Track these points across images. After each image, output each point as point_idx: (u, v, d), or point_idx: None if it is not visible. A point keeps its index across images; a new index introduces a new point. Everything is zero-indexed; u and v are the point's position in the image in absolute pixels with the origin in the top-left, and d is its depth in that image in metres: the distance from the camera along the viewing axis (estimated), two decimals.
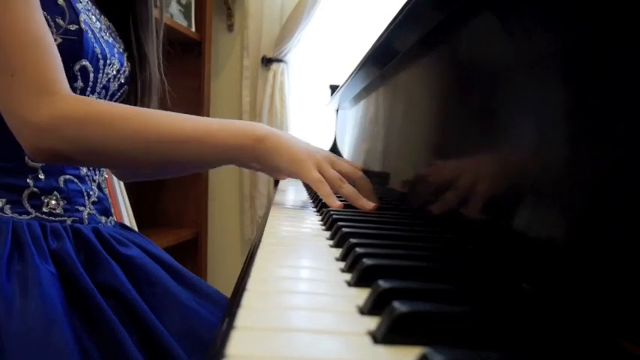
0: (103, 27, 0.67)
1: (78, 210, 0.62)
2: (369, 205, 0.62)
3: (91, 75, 0.63)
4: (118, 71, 0.68)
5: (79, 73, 0.61)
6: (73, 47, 0.59)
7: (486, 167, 0.41)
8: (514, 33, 0.37)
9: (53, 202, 0.60)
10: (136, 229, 1.38)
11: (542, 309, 0.27)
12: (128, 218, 1.45)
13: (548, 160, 0.31)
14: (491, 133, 0.40)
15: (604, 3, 0.27)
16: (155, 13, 0.76)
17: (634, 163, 0.23)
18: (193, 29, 1.80)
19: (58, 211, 0.60)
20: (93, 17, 0.65)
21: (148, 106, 0.75)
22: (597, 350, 0.23)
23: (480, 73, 0.44)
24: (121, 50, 0.70)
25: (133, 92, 0.73)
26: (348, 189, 0.63)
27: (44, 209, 0.59)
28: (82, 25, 0.60)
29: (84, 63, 0.61)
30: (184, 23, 1.75)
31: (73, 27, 0.59)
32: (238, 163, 0.65)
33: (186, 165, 0.67)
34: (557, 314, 0.26)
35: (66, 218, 0.61)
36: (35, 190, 0.59)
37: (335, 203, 0.60)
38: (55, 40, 0.57)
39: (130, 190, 1.47)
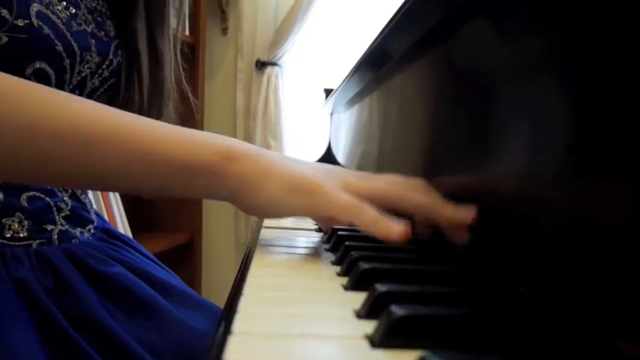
0: (82, 12, 0.56)
1: (46, 230, 0.54)
2: (468, 213, 0.38)
3: (53, 77, 0.52)
4: (99, 65, 0.57)
5: (32, 77, 0.50)
6: (23, 47, 0.49)
7: (481, 170, 0.41)
8: (508, 37, 0.38)
9: (16, 224, 0.52)
10: (129, 233, 1.37)
11: (539, 311, 0.27)
12: (122, 223, 1.45)
13: (543, 163, 0.31)
14: (485, 136, 0.40)
15: (602, 5, 0.27)
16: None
17: (629, 164, 0.24)
18: (187, 32, 1.79)
19: (22, 234, 0.52)
20: (63, 2, 0.54)
21: (159, 116, 0.64)
22: (594, 351, 0.23)
23: (475, 77, 0.44)
24: (105, 39, 0.58)
25: (132, 92, 0.62)
26: (416, 197, 0.41)
27: (6, 234, 0.51)
28: (34, 20, 0.49)
29: (39, 65, 0.50)
30: (175, 25, 1.75)
31: (21, 22, 0.48)
32: (197, 193, 0.42)
33: (102, 183, 0.44)
34: (554, 316, 0.26)
35: (31, 242, 0.52)
36: None
37: (395, 231, 0.36)
38: (0, 39, 0.47)
39: (124, 194, 1.47)
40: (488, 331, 0.23)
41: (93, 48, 0.56)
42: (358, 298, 0.29)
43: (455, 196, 0.44)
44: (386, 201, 0.40)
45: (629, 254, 0.23)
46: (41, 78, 0.51)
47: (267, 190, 0.39)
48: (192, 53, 1.81)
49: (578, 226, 0.27)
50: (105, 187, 0.53)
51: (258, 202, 0.40)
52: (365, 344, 0.23)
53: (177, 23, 0.72)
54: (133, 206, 1.61)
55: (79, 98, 0.42)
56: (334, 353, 0.23)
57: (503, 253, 0.35)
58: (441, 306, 0.25)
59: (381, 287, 0.27)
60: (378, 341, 0.23)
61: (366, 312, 0.27)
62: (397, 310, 0.23)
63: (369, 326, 0.25)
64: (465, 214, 0.38)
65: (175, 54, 0.69)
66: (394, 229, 0.36)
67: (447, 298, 0.28)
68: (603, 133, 0.26)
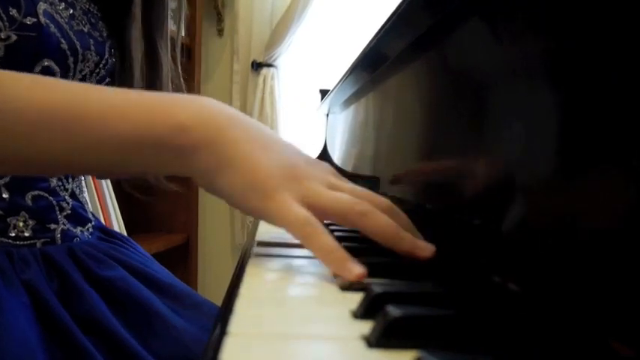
0: (78, 12, 0.57)
1: (49, 229, 0.54)
2: (425, 249, 0.36)
3: (58, 76, 0.53)
4: (97, 65, 0.58)
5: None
6: (32, 45, 0.49)
7: (475, 171, 0.41)
8: (504, 39, 0.38)
9: (21, 224, 0.52)
10: (125, 233, 1.37)
11: (534, 311, 0.27)
12: (117, 223, 1.44)
13: (538, 163, 0.32)
14: (480, 137, 0.40)
15: (598, 8, 0.27)
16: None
17: (625, 163, 0.24)
18: (183, 34, 1.79)
19: (26, 233, 0.52)
20: (62, 3, 0.55)
21: None
22: (588, 351, 0.23)
23: (470, 79, 0.44)
24: (100, 39, 0.59)
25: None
26: (379, 219, 0.36)
27: (10, 233, 0.51)
28: (41, 18, 0.49)
29: (46, 63, 0.51)
30: (174, 28, 1.75)
31: (29, 20, 0.48)
32: (155, 168, 0.41)
33: (69, 165, 0.42)
34: (549, 316, 0.26)
35: (35, 241, 0.53)
36: None
37: (351, 271, 0.31)
38: (9, 37, 0.47)
39: (120, 193, 1.46)
40: (484, 331, 0.23)
41: (92, 47, 0.57)
42: (354, 298, 0.29)
43: (451, 197, 0.44)
44: (346, 219, 0.36)
45: (623, 254, 0.23)
46: (48, 76, 0.50)
47: (225, 180, 0.37)
48: (188, 55, 1.81)
49: (573, 226, 0.28)
50: (74, 169, 0.49)
51: (215, 187, 0.38)
52: (361, 344, 0.23)
53: (176, 26, 0.72)
54: (128, 207, 1.60)
55: (45, 77, 0.40)
56: (331, 354, 0.23)
57: (499, 254, 0.36)
58: (437, 306, 0.25)
59: (377, 288, 0.27)
60: (374, 341, 0.23)
61: (363, 312, 0.27)
62: (393, 311, 0.23)
63: (366, 326, 0.25)
64: (422, 251, 0.36)
65: (174, 57, 0.69)
66: (350, 268, 0.31)
67: (443, 298, 0.28)
68: (600, 133, 0.26)
